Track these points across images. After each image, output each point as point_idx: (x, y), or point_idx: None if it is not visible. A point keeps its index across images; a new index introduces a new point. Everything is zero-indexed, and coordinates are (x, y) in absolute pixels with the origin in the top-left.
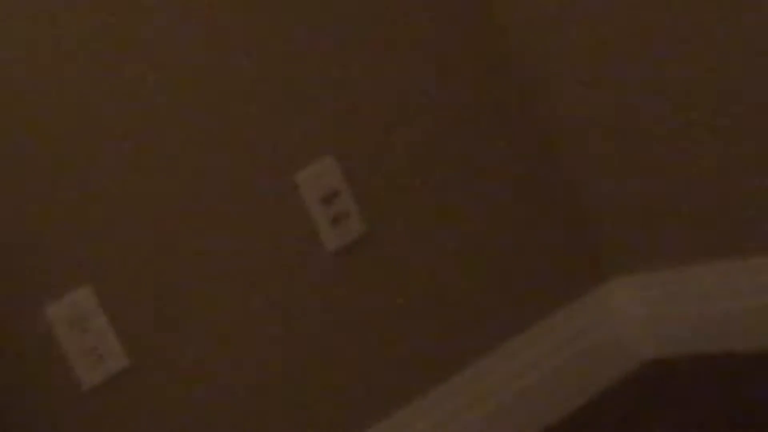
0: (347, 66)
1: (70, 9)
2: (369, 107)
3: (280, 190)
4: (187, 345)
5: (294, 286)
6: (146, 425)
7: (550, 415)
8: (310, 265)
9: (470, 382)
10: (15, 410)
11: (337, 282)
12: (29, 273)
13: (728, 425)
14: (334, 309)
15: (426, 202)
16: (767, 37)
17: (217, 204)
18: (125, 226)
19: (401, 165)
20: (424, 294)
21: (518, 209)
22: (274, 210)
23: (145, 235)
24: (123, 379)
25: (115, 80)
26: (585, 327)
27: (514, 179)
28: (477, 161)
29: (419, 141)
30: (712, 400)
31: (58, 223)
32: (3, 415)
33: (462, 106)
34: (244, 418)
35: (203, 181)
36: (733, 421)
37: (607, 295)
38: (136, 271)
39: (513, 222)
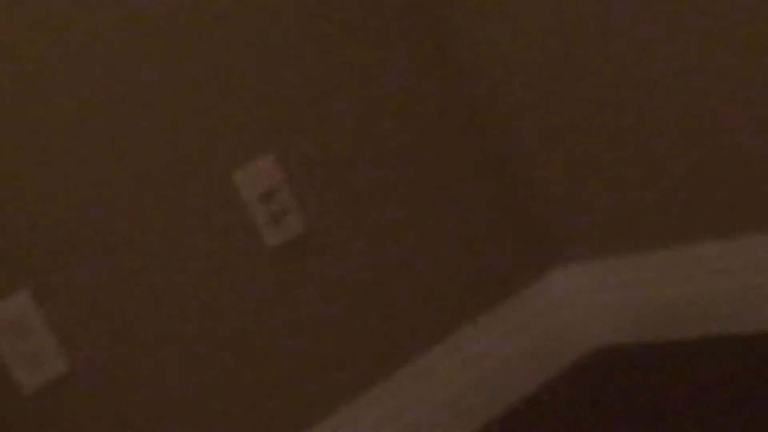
0: (287, 63)
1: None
2: (308, 104)
3: (219, 187)
4: (126, 348)
5: (234, 284)
6: (87, 429)
7: (498, 405)
8: (249, 262)
9: (417, 376)
10: None
11: (277, 280)
12: None
13: (675, 411)
14: (273, 307)
15: (366, 198)
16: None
17: (158, 202)
18: (63, 227)
19: (339, 160)
20: (366, 289)
21: (461, 200)
22: (214, 208)
23: (83, 236)
24: (63, 383)
25: (60, 77)
26: (531, 316)
27: (455, 170)
28: (417, 155)
29: (358, 136)
30: (659, 386)
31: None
32: None
33: (402, 98)
34: (184, 422)
35: (144, 179)
36: (680, 407)
37: (552, 284)
38: (74, 273)
39: (455, 214)
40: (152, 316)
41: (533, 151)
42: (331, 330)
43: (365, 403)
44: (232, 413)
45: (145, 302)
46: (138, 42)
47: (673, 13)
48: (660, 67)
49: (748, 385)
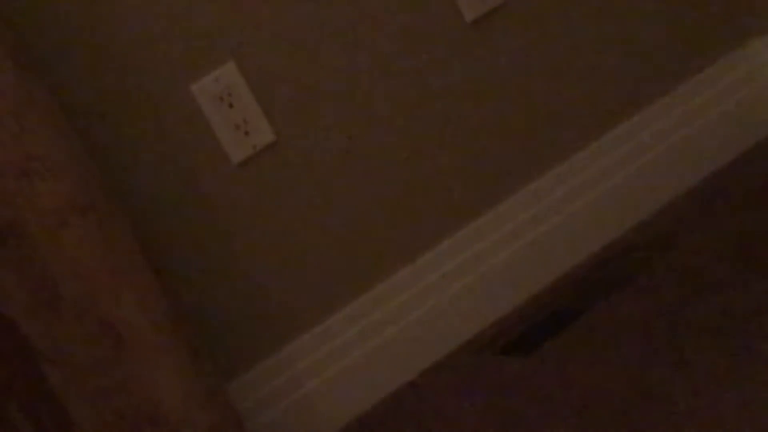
0: None
1: None
2: None
3: None
4: (329, 117)
5: (433, 56)
6: (292, 196)
7: (694, 174)
8: (449, 35)
9: (616, 143)
10: (168, 186)
11: (476, 51)
12: (174, 51)
13: None
14: (472, 78)
15: None
16: None
17: None
18: (264, 1)
19: None
20: (563, 60)
21: None
22: None
23: (284, 9)
24: (269, 153)
25: None
26: (728, 87)
27: None
28: None
29: None
30: None
31: (199, 1)
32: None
33: None
34: (384, 187)
35: None
36: None
37: (750, 54)
38: (277, 46)
39: None
40: (352, 84)
41: None
42: (524, 101)
43: (572, 165)
44: (426, 181)
45: (345, 70)
46: None
47: None
48: None
49: None
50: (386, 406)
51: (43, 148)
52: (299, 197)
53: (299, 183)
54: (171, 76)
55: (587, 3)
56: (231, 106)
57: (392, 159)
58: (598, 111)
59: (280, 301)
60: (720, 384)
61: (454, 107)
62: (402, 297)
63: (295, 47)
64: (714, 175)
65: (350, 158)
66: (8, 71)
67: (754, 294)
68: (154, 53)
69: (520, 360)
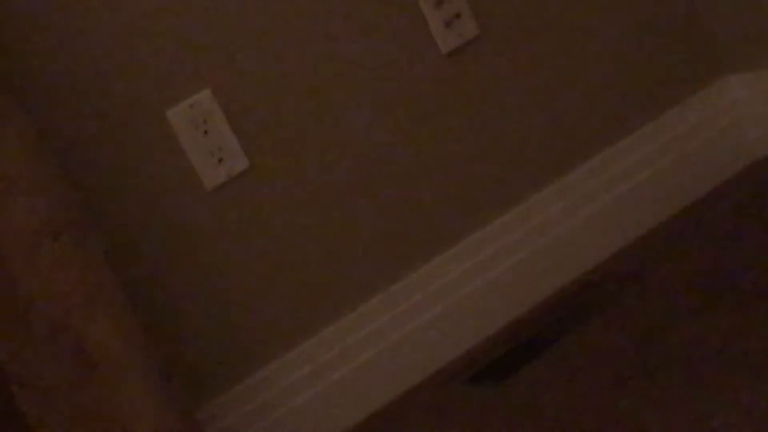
0: None
1: None
2: None
3: None
4: (303, 145)
5: (408, 87)
6: (266, 223)
7: (664, 210)
8: (425, 67)
9: (587, 176)
10: (141, 211)
11: (451, 83)
12: (150, 77)
13: None
14: (447, 110)
15: (538, 5)
16: None
17: (334, 7)
18: (240, 30)
19: None
20: (536, 95)
21: (632, 6)
22: (390, 13)
23: (261, 38)
24: (243, 180)
25: None
26: (700, 123)
27: None
28: None
29: None
30: None
31: (176, 28)
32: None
33: None
34: (357, 214)
35: None
36: None
37: (723, 91)
38: (253, 75)
39: (626, 19)
40: (327, 115)
41: None
42: (498, 134)
43: (540, 199)
44: (404, 208)
45: (320, 102)
46: None
47: None
48: None
49: None
50: None
51: (18, 168)
52: (273, 224)
53: (273, 210)
54: (147, 101)
55: (561, 35)
56: (206, 132)
57: (366, 187)
58: (571, 143)
59: (254, 325)
60: (689, 414)
61: (429, 138)
62: (375, 324)
63: (270, 75)
64: (685, 209)
65: (324, 186)
66: None
67: (723, 326)
68: (131, 78)
69: (491, 388)
